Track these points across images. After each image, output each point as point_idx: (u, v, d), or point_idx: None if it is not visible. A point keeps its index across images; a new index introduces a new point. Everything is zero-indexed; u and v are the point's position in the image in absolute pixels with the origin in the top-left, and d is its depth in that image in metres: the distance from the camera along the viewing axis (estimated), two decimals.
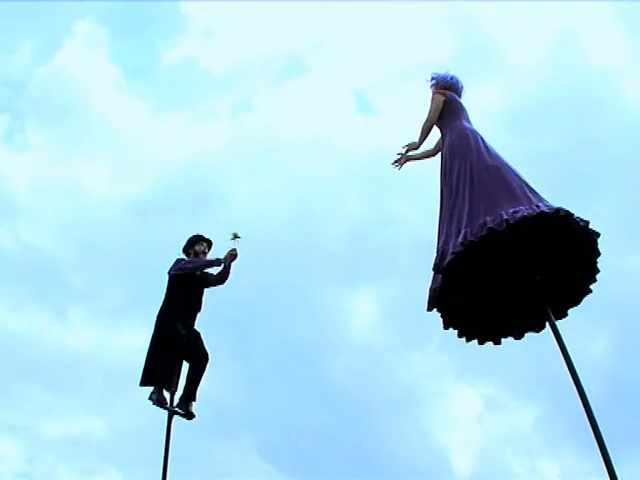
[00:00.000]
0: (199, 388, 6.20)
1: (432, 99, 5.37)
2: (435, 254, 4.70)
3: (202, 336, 6.33)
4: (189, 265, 6.34)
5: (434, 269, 4.65)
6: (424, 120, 5.31)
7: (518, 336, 5.08)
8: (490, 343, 5.02)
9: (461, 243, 4.41)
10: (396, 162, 5.41)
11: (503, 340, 5.09)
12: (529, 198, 4.51)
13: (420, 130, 5.32)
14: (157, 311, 6.32)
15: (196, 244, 6.56)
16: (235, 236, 6.27)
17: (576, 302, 4.81)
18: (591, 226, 4.49)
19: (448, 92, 5.38)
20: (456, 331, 5.01)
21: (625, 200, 13.61)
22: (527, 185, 4.64)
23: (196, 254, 6.48)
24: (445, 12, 18.13)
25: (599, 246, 4.55)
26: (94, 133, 17.68)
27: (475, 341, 5.07)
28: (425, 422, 14.35)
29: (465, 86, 5.59)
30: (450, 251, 4.48)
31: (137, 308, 14.65)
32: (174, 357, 6.11)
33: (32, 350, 14.30)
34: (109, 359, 14.13)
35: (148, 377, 6.09)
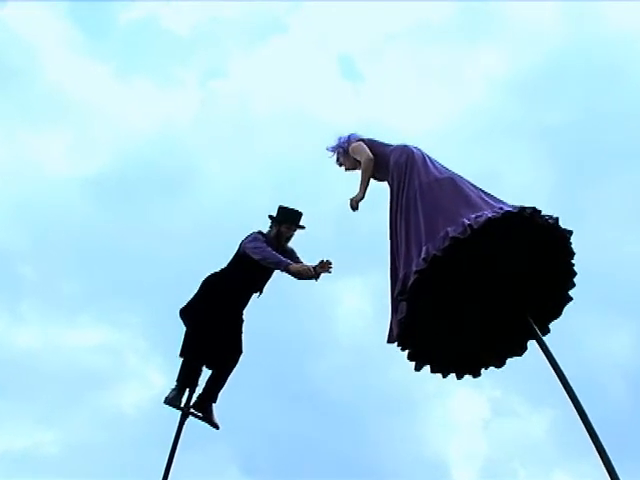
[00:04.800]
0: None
1: (351, 151, 4.93)
2: (396, 284, 4.22)
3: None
4: (256, 255, 5.15)
5: (397, 296, 4.14)
6: (361, 169, 4.81)
7: (499, 364, 4.59)
8: None
9: (424, 259, 3.96)
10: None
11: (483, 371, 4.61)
12: (489, 203, 4.16)
13: (360, 178, 4.80)
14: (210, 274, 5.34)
15: (284, 224, 5.36)
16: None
17: (557, 314, 4.38)
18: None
19: (364, 138, 4.98)
20: (428, 367, 4.51)
21: None
22: (484, 192, 4.30)
23: (278, 236, 5.34)
24: None
25: (573, 245, 4.20)
26: (46, 101, 15.69)
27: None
28: (422, 429, 12.72)
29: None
30: (413, 271, 3.99)
31: (96, 303, 13.32)
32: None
33: None
34: (62, 361, 12.65)
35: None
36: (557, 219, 4.09)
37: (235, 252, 5.36)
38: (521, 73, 14.66)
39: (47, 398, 11.99)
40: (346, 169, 5.09)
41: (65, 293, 13.68)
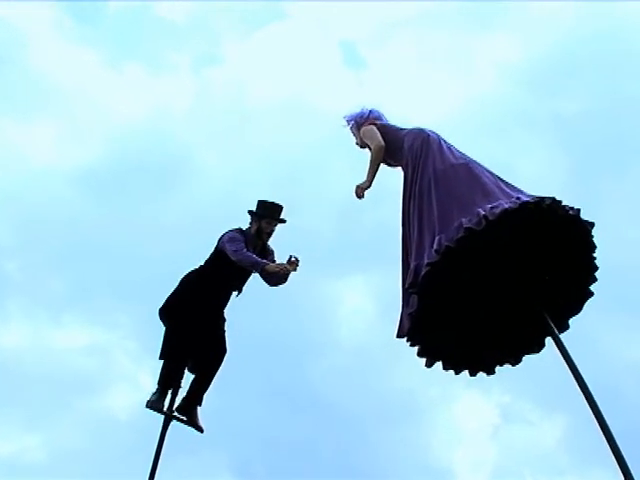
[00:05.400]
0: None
1: (362, 134, 4.76)
2: (407, 276, 4.03)
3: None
4: (233, 257, 4.99)
5: (408, 289, 3.96)
6: (370, 156, 4.62)
7: (514, 361, 4.39)
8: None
9: (436, 251, 3.76)
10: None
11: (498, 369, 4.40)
12: (506, 192, 3.95)
13: (369, 165, 4.62)
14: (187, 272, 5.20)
15: (264, 220, 5.17)
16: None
17: (577, 309, 4.16)
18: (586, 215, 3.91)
19: (377, 121, 4.79)
20: (440, 364, 4.31)
21: None
22: (501, 180, 4.08)
23: (258, 231, 5.18)
24: None
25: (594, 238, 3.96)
26: (33, 89, 14.52)
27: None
28: (427, 435, 11.98)
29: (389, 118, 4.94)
30: (425, 263, 3.80)
31: (84, 302, 12.59)
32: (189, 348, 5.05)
33: None
34: (48, 363, 11.89)
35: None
36: (578, 210, 3.87)
37: (214, 248, 5.19)
38: (534, 60, 13.95)
39: (33, 401, 11.33)
40: (356, 144, 4.93)
41: (52, 291, 12.98)
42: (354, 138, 4.94)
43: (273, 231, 5.25)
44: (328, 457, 10.94)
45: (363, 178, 4.56)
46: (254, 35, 17.03)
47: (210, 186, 13.44)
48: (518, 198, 3.81)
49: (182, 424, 5.06)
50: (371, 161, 4.60)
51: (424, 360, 4.27)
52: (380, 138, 4.60)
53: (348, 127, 4.98)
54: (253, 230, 5.22)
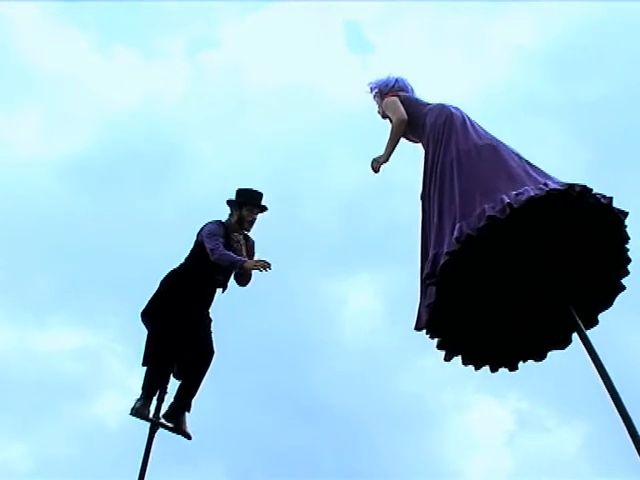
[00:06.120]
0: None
1: (384, 105, 4.58)
2: (425, 265, 3.83)
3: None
4: (210, 254, 4.82)
5: (426, 279, 3.76)
6: (390, 129, 4.43)
7: (539, 357, 4.16)
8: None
9: (456, 239, 3.54)
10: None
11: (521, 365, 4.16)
12: (533, 177, 3.70)
13: (388, 139, 4.42)
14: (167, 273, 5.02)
15: (245, 208, 5.02)
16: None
17: (607, 304, 3.92)
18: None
19: (400, 93, 4.60)
20: (459, 358, 4.09)
21: None
22: (529, 163, 3.84)
23: (240, 221, 5.02)
24: None
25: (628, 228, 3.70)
26: (17, 75, 13.80)
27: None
28: (438, 444, 11.40)
29: (415, 88, 4.76)
30: (444, 252, 3.59)
31: (71, 302, 11.99)
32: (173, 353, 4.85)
33: None
34: (33, 367, 11.20)
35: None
36: (611, 199, 3.61)
37: (194, 242, 5.02)
38: (551, 43, 13.32)
39: (17, 408, 10.65)
40: (378, 112, 4.75)
41: (37, 290, 12.27)
42: (376, 106, 4.77)
43: (255, 219, 5.09)
44: (331, 466, 10.30)
45: (368, 169, 4.39)
46: (252, 17, 16.12)
47: (206, 177, 12.75)
48: (545, 184, 3.57)
49: (169, 432, 4.84)
50: (391, 134, 4.42)
51: (442, 354, 4.08)
52: (403, 111, 4.42)
53: (371, 95, 4.81)
54: (234, 220, 5.07)
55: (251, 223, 5.09)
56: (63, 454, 10.22)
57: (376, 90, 4.76)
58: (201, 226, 5.05)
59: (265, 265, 4.67)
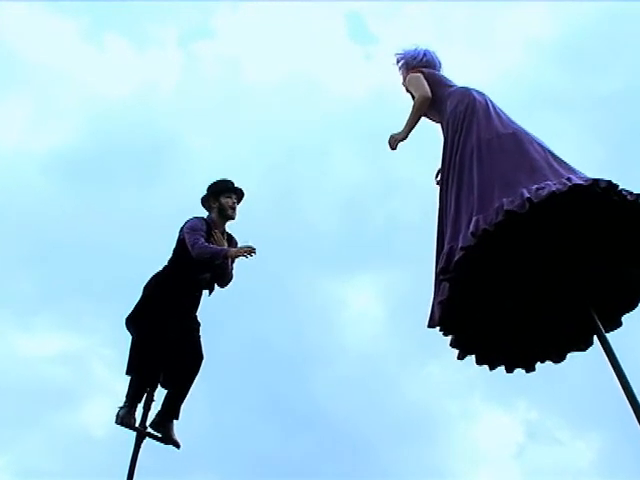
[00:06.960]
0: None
1: (407, 80, 4.45)
2: (440, 259, 3.69)
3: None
4: (191, 250, 4.70)
5: (440, 274, 3.62)
6: (412, 106, 4.29)
7: (558, 358, 4.00)
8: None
9: (472, 234, 3.39)
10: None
11: (539, 365, 4.01)
12: (556, 170, 3.53)
13: (409, 115, 4.29)
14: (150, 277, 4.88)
15: (222, 195, 4.95)
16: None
17: (631, 305, 3.75)
18: None
19: (425, 69, 4.46)
20: (474, 357, 3.96)
21: None
22: (552, 155, 3.66)
23: (221, 210, 4.93)
24: None
25: None
26: (3, 65, 13.35)
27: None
28: (442, 455, 10.99)
29: (443, 62, 4.63)
30: (459, 246, 3.45)
31: (55, 304, 11.48)
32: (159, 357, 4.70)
33: None
34: (15, 372, 10.54)
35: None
36: (638, 195, 3.43)
37: (176, 240, 4.89)
38: (566, 34, 12.83)
39: None
40: (402, 84, 4.61)
41: (19, 292, 11.58)
42: (401, 79, 4.64)
43: (235, 204, 4.99)
44: (331, 478, 9.78)
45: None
46: (248, 5, 15.47)
47: (199, 172, 12.16)
48: (569, 179, 3.39)
49: (157, 441, 4.67)
50: (412, 111, 4.29)
51: (451, 357, 3.95)
52: (427, 88, 4.28)
53: (397, 66, 4.67)
54: (215, 213, 4.97)
55: (233, 208, 4.99)
56: (45, 466, 9.70)
57: (402, 62, 4.63)
58: (183, 222, 4.94)
59: (250, 251, 4.58)
